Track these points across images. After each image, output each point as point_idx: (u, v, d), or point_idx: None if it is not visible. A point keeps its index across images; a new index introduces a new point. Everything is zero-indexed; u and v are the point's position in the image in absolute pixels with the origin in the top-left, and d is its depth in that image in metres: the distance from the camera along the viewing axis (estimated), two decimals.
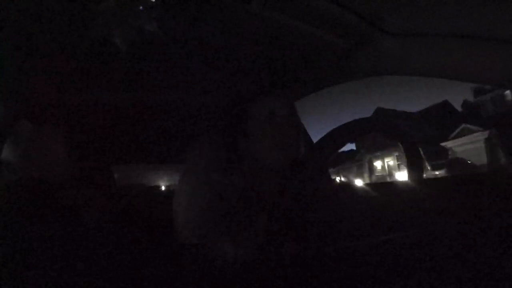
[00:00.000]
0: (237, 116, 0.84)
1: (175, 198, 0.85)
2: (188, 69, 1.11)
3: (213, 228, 0.74)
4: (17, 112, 1.13)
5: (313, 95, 1.29)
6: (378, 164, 20.30)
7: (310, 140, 1.34)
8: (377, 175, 19.52)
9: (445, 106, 19.35)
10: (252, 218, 0.75)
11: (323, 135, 1.38)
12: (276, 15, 0.79)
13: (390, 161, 19.10)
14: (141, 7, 0.75)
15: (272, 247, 0.73)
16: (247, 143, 0.82)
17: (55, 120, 1.16)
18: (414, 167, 1.21)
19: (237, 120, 0.84)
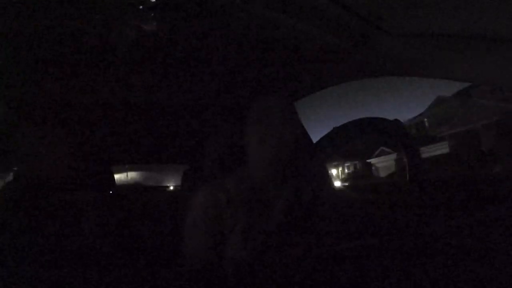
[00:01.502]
0: (237, 115, 0.84)
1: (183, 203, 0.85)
2: (187, 69, 1.11)
3: (218, 232, 0.74)
4: (18, 112, 1.13)
5: (313, 95, 1.29)
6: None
7: (310, 140, 1.34)
8: None
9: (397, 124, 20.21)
10: (252, 219, 0.75)
11: (323, 135, 1.38)
12: (276, 15, 0.79)
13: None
14: (141, 7, 0.75)
15: (273, 248, 0.72)
16: (246, 141, 0.82)
17: (56, 121, 1.16)
18: (414, 170, 1.21)
19: (237, 119, 0.84)
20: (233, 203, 0.76)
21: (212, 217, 0.75)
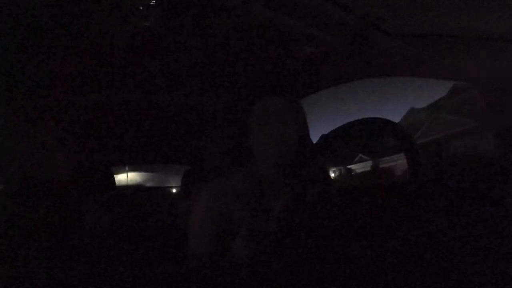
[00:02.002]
0: (237, 116, 0.85)
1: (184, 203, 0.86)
2: (188, 69, 1.11)
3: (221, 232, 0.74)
4: (18, 112, 1.13)
5: (313, 96, 1.29)
6: None
7: (311, 141, 1.34)
8: None
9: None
10: (256, 219, 0.75)
11: (323, 135, 1.38)
12: (276, 15, 0.79)
13: None
14: (141, 8, 0.75)
15: (274, 249, 0.72)
16: (248, 142, 0.82)
17: (55, 121, 1.17)
18: (415, 172, 1.21)
19: (238, 120, 0.84)
20: (239, 202, 0.76)
21: (220, 215, 0.75)
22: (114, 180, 1.42)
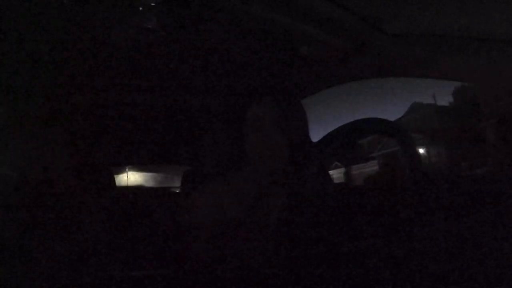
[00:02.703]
0: (237, 116, 0.84)
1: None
2: (187, 70, 1.11)
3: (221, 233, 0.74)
4: (17, 112, 1.13)
5: (313, 96, 1.29)
6: None
7: (310, 141, 1.34)
8: None
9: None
10: (253, 220, 0.75)
11: (323, 136, 1.38)
12: (276, 15, 0.79)
13: None
14: (141, 8, 0.75)
15: (274, 249, 0.72)
16: (246, 145, 0.82)
17: (55, 120, 1.16)
18: (413, 170, 1.21)
19: (235, 123, 0.84)
20: (239, 202, 0.76)
21: (219, 215, 0.75)
22: (114, 180, 1.42)
